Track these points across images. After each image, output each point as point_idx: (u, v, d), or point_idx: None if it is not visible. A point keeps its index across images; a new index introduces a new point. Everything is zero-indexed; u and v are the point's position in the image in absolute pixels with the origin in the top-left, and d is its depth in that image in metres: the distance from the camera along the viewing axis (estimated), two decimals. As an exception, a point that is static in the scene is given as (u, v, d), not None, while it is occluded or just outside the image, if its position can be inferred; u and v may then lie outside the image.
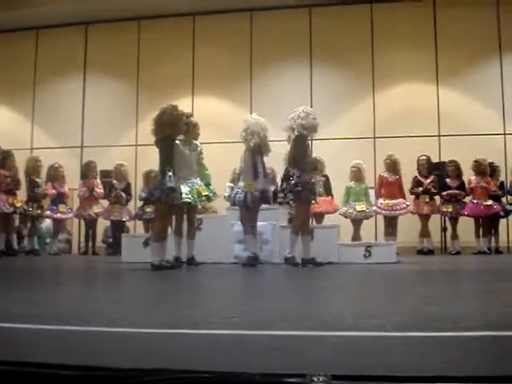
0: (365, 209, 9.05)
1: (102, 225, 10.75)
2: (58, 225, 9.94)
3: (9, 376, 0.95)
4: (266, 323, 1.84)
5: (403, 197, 9.24)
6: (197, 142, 6.13)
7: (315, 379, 0.81)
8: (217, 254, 6.28)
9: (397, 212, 9.14)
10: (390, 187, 9.19)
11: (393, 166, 9.22)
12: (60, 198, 9.65)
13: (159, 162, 5.46)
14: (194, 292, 3.38)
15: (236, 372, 0.97)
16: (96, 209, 9.75)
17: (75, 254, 10.96)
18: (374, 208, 9.17)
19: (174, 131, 5.47)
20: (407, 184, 9.43)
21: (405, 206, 9.18)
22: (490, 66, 11.29)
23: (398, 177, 9.23)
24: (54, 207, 9.59)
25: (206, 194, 6.13)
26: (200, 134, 6.18)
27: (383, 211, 9.19)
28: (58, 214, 9.65)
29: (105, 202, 10.01)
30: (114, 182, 9.76)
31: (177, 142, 5.79)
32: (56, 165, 9.72)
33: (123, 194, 9.71)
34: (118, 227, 9.65)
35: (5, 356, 1.33)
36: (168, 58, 12.22)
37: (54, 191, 9.50)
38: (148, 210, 9.33)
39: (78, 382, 0.93)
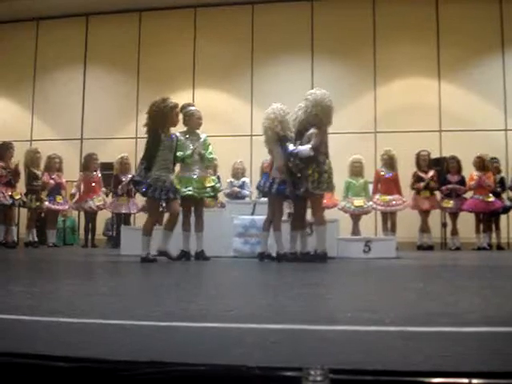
0: (363, 204, 9.06)
1: (103, 218, 10.77)
2: (55, 216, 9.95)
3: (5, 367, 0.95)
4: (263, 317, 1.83)
5: (400, 193, 9.24)
6: (199, 132, 5.98)
7: (312, 372, 0.80)
8: (216, 247, 6.26)
9: (393, 208, 9.15)
10: (387, 183, 9.21)
11: (390, 161, 9.23)
12: (57, 189, 9.65)
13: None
14: (191, 285, 3.37)
15: (234, 365, 0.96)
16: (97, 202, 9.73)
17: (76, 246, 10.98)
18: (371, 203, 9.18)
19: (162, 124, 5.40)
20: (408, 179, 9.43)
21: (401, 201, 9.19)
22: (492, 61, 11.27)
23: (394, 173, 9.23)
24: (52, 198, 9.59)
25: (211, 185, 5.99)
26: (200, 123, 5.98)
27: (379, 207, 9.21)
28: (55, 206, 9.65)
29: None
30: (120, 174, 9.69)
31: (177, 133, 5.75)
32: (52, 155, 9.73)
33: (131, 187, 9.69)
34: (123, 220, 9.62)
35: (1, 347, 1.32)
36: (169, 51, 12.20)
37: (51, 181, 9.50)
38: None
39: (73, 374, 0.92)
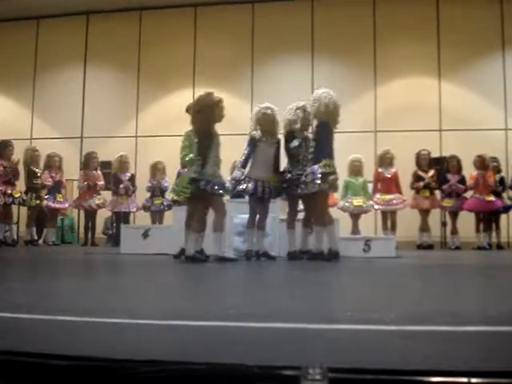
0: (362, 203, 9.05)
1: (102, 216, 10.76)
2: (55, 214, 9.95)
3: (4, 365, 0.94)
4: (262, 316, 1.83)
5: (400, 192, 9.25)
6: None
7: (311, 371, 0.80)
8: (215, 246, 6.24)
9: (393, 207, 9.16)
10: (387, 182, 9.20)
11: (389, 161, 9.24)
12: (57, 188, 9.65)
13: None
14: (191, 284, 3.37)
15: (233, 364, 0.96)
16: (97, 200, 9.72)
17: (75, 244, 10.98)
18: (371, 202, 9.18)
19: (209, 119, 5.26)
20: (408, 179, 9.42)
21: (401, 200, 9.19)
22: (492, 60, 11.26)
23: (394, 172, 9.23)
24: (52, 196, 9.58)
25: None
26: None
27: (380, 206, 9.21)
28: (55, 204, 9.64)
29: (105, 194, 9.99)
30: (119, 173, 9.68)
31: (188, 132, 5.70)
32: (52, 154, 9.72)
33: (130, 186, 9.68)
34: (122, 219, 9.61)
35: (0, 345, 1.32)
36: (169, 49, 12.18)
37: (51, 180, 9.49)
38: (157, 201, 9.36)
39: (73, 372, 0.92)
